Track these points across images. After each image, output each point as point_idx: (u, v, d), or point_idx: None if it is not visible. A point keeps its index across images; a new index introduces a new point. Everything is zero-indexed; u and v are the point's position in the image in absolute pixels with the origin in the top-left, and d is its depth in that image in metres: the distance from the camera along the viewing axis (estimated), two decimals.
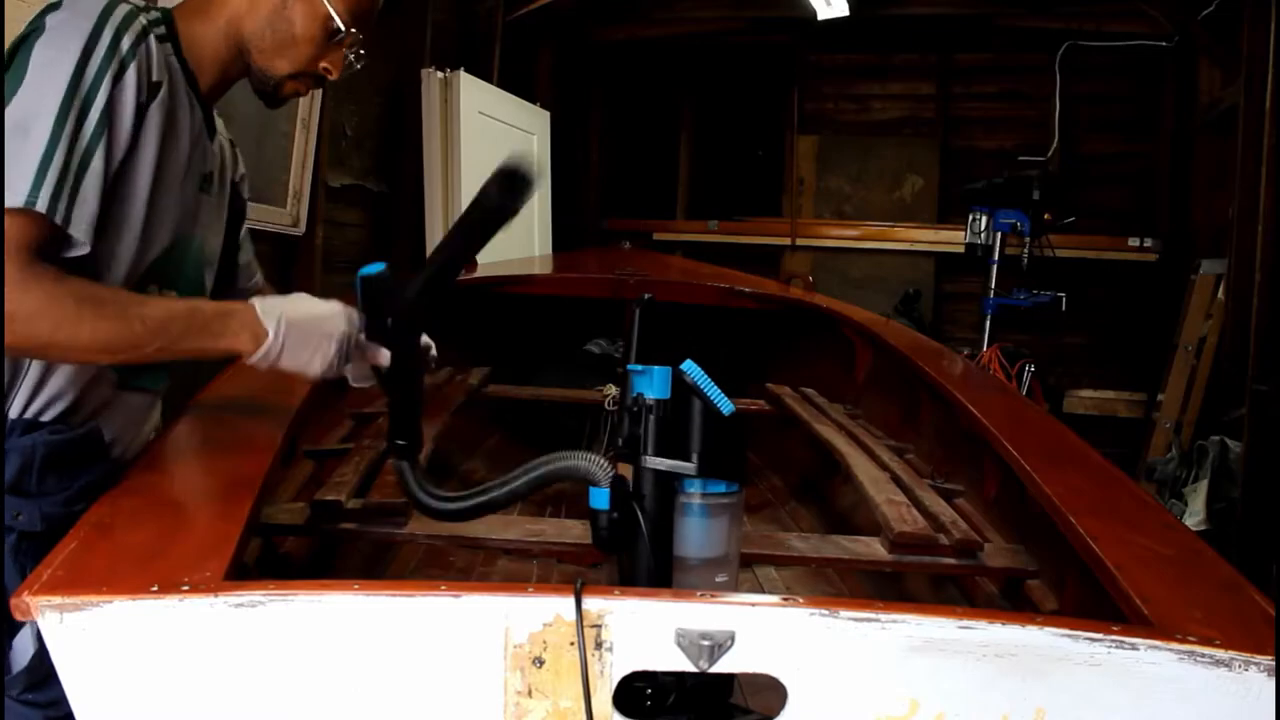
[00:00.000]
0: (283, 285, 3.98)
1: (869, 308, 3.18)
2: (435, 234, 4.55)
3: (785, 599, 1.06)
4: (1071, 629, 1.03)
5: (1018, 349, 5.37)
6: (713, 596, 1.06)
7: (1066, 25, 5.72)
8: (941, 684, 1.03)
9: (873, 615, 1.03)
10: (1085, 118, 5.98)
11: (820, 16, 5.57)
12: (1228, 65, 4.74)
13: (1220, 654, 1.02)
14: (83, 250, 1.19)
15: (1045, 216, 5.24)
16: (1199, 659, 1.02)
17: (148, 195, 1.29)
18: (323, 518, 1.64)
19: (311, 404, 1.80)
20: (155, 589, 0.98)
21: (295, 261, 3.93)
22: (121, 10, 1.23)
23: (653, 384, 1.28)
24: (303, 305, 1.29)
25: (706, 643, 1.02)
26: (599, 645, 1.02)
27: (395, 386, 1.32)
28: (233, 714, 1.00)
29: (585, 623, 1.02)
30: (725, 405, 1.24)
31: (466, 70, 4.65)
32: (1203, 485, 3.84)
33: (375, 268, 1.26)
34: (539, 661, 1.01)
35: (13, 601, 0.96)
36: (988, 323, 5.50)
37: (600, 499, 1.24)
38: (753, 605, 1.04)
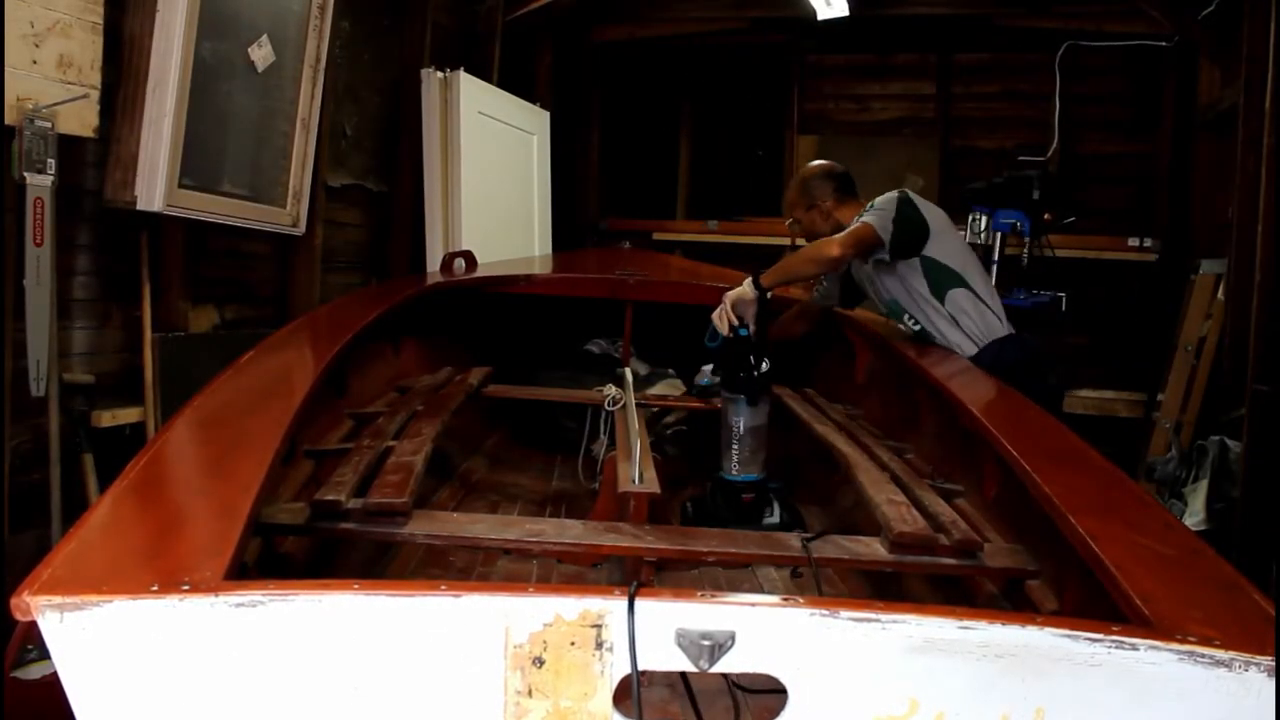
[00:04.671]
0: (282, 284, 4.02)
1: (868, 308, 3.18)
2: (435, 233, 4.55)
3: (785, 599, 1.06)
4: (1071, 629, 1.03)
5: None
6: (713, 596, 1.06)
7: (1066, 25, 5.72)
8: (941, 684, 1.03)
9: (873, 615, 1.03)
10: (1085, 117, 5.98)
11: (820, 16, 5.57)
12: (1228, 65, 4.74)
13: (1220, 654, 1.02)
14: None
15: (1045, 216, 5.23)
16: (1199, 659, 1.02)
17: None
18: (323, 518, 1.64)
19: (311, 404, 1.80)
20: (155, 588, 0.98)
21: (295, 261, 3.94)
22: None
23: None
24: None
25: (707, 642, 1.02)
26: (599, 645, 1.02)
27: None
28: (233, 713, 1.00)
29: (585, 622, 1.02)
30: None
31: (466, 70, 4.65)
32: (1203, 485, 3.83)
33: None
34: (539, 661, 1.01)
35: (13, 601, 0.96)
36: None
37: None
38: (753, 605, 1.05)
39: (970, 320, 2.79)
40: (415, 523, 1.65)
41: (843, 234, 2.71)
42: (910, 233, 2.73)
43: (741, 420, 2.38)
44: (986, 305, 2.81)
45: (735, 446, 2.40)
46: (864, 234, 2.70)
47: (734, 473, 2.41)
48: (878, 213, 2.72)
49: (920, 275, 2.79)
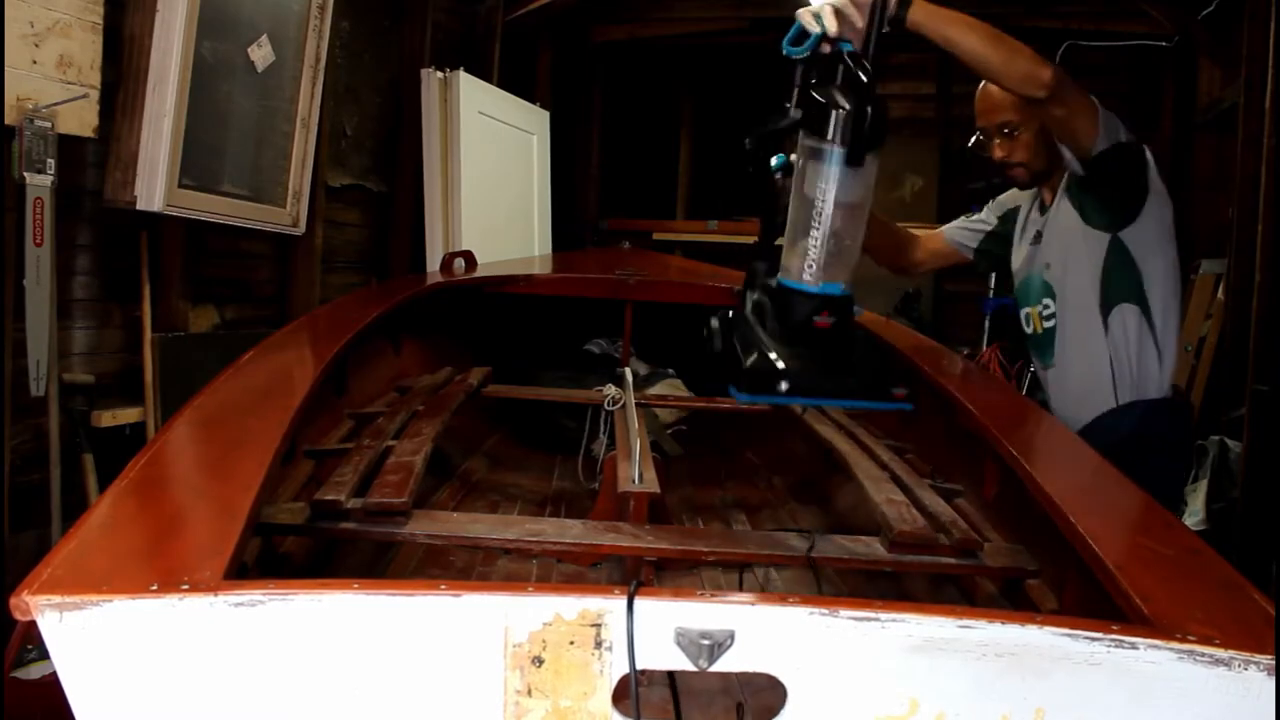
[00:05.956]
0: (282, 284, 4.02)
1: (869, 308, 3.16)
2: (435, 233, 4.55)
3: (785, 598, 1.06)
4: (1071, 628, 1.03)
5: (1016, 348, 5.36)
6: (712, 595, 1.06)
7: (1066, 25, 5.71)
8: (941, 683, 1.03)
9: (872, 615, 1.03)
10: None
11: None
12: (1228, 65, 4.74)
13: (1220, 653, 1.02)
14: None
15: None
16: (1198, 658, 1.02)
17: None
18: (323, 517, 1.64)
19: (311, 404, 1.80)
20: (155, 588, 0.98)
21: (295, 261, 3.94)
22: None
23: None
24: None
25: (706, 642, 1.02)
26: (598, 645, 1.02)
27: None
28: (233, 714, 1.00)
29: (584, 622, 1.02)
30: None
31: (466, 70, 4.65)
32: (1203, 485, 3.84)
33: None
34: (539, 661, 1.01)
35: (12, 601, 0.96)
36: (987, 323, 5.49)
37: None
38: (752, 604, 1.04)
39: (1124, 358, 2.06)
40: (415, 522, 1.65)
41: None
42: (1119, 178, 1.92)
43: (831, 188, 1.34)
44: (1156, 344, 2.05)
45: (815, 233, 1.36)
46: (1087, 105, 1.88)
47: (805, 278, 1.40)
48: (1105, 116, 1.91)
49: (1098, 261, 2.01)
